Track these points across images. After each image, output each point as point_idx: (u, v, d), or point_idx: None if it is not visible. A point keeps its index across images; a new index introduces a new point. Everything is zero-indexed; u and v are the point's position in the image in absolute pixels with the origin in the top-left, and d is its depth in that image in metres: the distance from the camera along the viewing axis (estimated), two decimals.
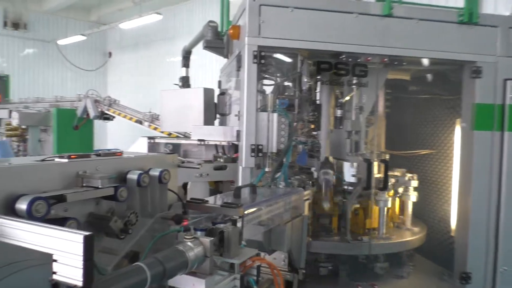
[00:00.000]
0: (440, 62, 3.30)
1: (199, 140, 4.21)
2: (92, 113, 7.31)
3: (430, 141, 4.07)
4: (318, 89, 4.01)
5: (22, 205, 1.35)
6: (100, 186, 1.60)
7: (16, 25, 15.04)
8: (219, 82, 4.79)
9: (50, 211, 1.40)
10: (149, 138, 4.35)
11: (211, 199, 2.39)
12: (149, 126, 6.30)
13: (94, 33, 15.22)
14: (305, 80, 3.15)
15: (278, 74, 3.33)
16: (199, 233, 1.91)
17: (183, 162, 3.91)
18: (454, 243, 3.45)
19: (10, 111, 7.97)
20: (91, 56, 17.40)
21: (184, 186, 3.44)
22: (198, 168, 2.19)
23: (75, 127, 7.78)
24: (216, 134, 4.21)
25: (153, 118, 6.30)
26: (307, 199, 3.16)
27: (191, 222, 1.94)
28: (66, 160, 1.60)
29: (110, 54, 17.81)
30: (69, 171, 1.61)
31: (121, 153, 1.86)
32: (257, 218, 2.36)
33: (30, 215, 1.34)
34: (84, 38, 14.98)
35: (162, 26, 14.31)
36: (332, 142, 3.77)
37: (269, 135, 3.02)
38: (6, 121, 7.90)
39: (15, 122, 7.34)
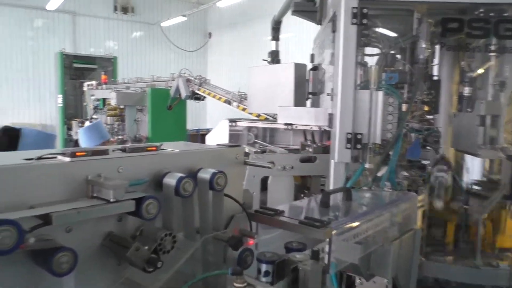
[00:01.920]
0: None
1: (285, 124, 3.61)
2: (183, 93, 7.14)
3: None
4: (436, 61, 3.12)
5: None
6: (112, 199, 1.09)
7: (125, 9, 15.82)
8: (312, 55, 4.09)
9: (21, 240, 0.92)
10: (230, 120, 3.87)
11: (287, 209, 1.78)
12: (238, 106, 5.87)
13: (194, 13, 15.36)
14: (423, 46, 2.32)
15: (384, 41, 2.54)
16: (264, 266, 1.34)
17: (263, 151, 3.36)
18: None
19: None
20: (193, 37, 17.71)
21: (264, 181, 2.88)
22: (270, 167, 1.57)
23: (168, 107, 7.73)
24: (307, 117, 3.57)
25: (242, 98, 5.84)
26: (421, 206, 2.40)
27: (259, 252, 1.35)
28: (68, 159, 1.12)
29: (210, 34, 17.97)
30: (73, 174, 1.12)
31: (156, 147, 1.33)
32: (352, 238, 1.70)
33: None
34: (185, 19, 15.22)
35: (259, 3, 13.83)
36: (456, 130, 2.89)
37: (372, 120, 2.29)
38: (107, 101, 8.16)
39: (113, 102, 7.50)
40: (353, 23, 2.16)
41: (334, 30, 2.42)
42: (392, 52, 2.48)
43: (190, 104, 8.60)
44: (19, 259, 0.99)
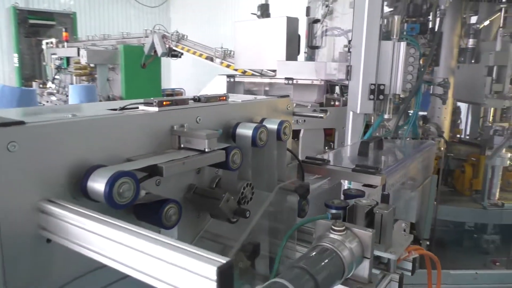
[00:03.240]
0: None
1: (286, 78, 3.57)
2: (159, 50, 6.85)
3: None
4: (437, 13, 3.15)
5: (96, 186, 0.84)
6: (207, 149, 1.05)
7: None
8: (308, 8, 4.01)
9: (138, 193, 0.88)
10: (228, 76, 3.78)
11: (330, 157, 1.80)
12: (221, 63, 5.72)
13: None
14: None
15: None
16: (333, 211, 1.36)
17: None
18: None
19: (78, 49, 7.74)
20: None
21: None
22: (322, 117, 1.57)
23: (142, 65, 7.42)
24: (307, 71, 3.54)
25: (225, 55, 5.69)
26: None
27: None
28: (156, 109, 1.06)
29: None
30: (160, 125, 1.07)
31: (225, 97, 1.29)
32: (396, 185, 1.76)
33: (111, 202, 0.82)
34: None
35: None
36: (459, 82, 2.98)
37: (393, 71, 2.31)
38: (75, 60, 7.70)
39: (83, 60, 7.09)
40: None
41: None
42: (414, 2, 2.48)
43: None
44: (123, 215, 0.95)
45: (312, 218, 1.12)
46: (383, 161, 1.87)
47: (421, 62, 2.55)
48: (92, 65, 7.38)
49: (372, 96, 2.29)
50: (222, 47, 5.82)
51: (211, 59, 5.90)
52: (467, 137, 3.57)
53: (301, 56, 4.46)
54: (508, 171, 2.76)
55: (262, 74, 4.82)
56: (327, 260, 1.00)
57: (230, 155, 1.13)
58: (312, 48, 3.60)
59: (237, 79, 3.86)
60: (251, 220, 1.21)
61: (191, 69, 13.36)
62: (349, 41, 2.53)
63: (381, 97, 2.29)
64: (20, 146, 0.78)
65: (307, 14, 4.02)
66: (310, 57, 4.02)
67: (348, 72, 2.48)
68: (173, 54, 6.94)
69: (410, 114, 2.42)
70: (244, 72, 5.35)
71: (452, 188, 2.88)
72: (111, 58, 7.40)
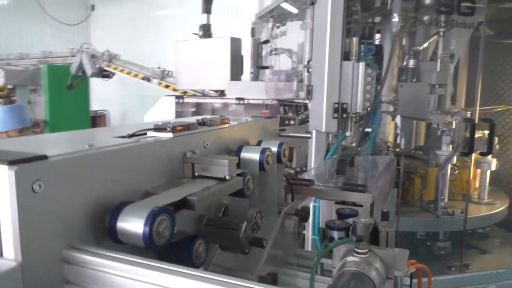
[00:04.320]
0: None
1: (237, 98, 3.56)
2: (89, 70, 6.47)
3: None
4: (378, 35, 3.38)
5: (130, 226, 0.73)
6: (227, 177, 0.98)
7: None
8: (253, 29, 4.05)
9: (174, 230, 0.78)
10: (177, 97, 3.67)
11: (310, 177, 1.80)
12: (159, 84, 5.55)
13: None
14: (396, 20, 2.49)
15: (362, 13, 2.64)
16: (336, 233, 1.35)
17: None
18: None
19: None
20: (72, 8, 15.92)
21: None
22: (309, 137, 1.56)
23: (69, 86, 6.94)
24: (258, 91, 3.56)
25: (164, 75, 5.53)
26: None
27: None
28: (170, 135, 0.96)
29: (93, 7, 16.39)
30: (173, 152, 0.98)
31: (227, 119, 1.23)
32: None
33: (150, 244, 0.72)
34: None
35: None
36: (404, 99, 3.18)
37: (353, 90, 2.40)
38: None
39: (0, 81, 6.46)
40: None
41: (313, 2, 2.44)
42: (369, 24, 2.60)
43: None
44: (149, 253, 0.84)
45: (340, 242, 1.09)
46: (360, 178, 1.91)
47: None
48: (10, 86, 6.75)
49: (336, 115, 2.34)
50: (159, 67, 5.66)
51: (148, 80, 5.70)
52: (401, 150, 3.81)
53: (246, 76, 4.49)
54: (451, 181, 2.99)
55: (204, 95, 4.75)
56: (360, 285, 0.98)
57: (245, 181, 1.07)
58: (262, 68, 3.64)
59: (186, 100, 3.76)
60: (264, 249, 1.15)
61: (115, 89, 12.80)
62: (308, 61, 2.59)
63: (344, 115, 2.36)
64: (45, 185, 0.65)
65: (253, 34, 4.06)
66: (257, 77, 4.05)
67: (309, 92, 2.53)
68: (104, 74, 6.59)
69: (369, 131, 2.52)
70: (184, 93, 5.25)
71: (403, 200, 3.04)
72: (32, 79, 6.83)
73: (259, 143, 1.33)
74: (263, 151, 1.19)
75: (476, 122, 2.54)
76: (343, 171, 1.89)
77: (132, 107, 13.77)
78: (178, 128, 0.98)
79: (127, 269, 0.65)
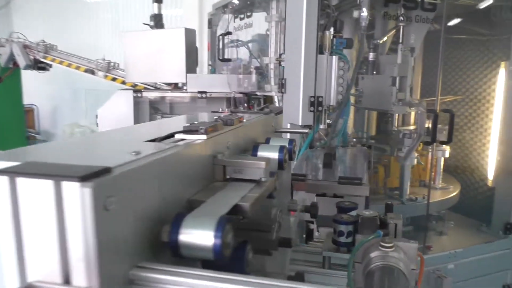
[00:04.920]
0: None
1: (199, 92, 3.46)
2: (22, 62, 5.95)
3: (461, 87, 3.74)
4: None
5: (196, 239, 0.68)
6: (263, 178, 0.94)
7: None
8: (210, 20, 3.96)
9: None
10: (135, 91, 3.49)
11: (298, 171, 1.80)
12: (105, 76, 5.25)
13: None
14: (365, 14, 2.55)
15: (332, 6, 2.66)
16: (344, 227, 1.37)
17: None
18: (495, 193, 3.26)
19: None
20: None
21: None
22: (306, 132, 1.56)
23: None
24: (220, 84, 3.50)
25: (110, 67, 5.24)
26: None
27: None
28: (204, 137, 0.90)
29: None
30: (205, 155, 0.92)
31: (243, 117, 1.18)
32: None
33: (220, 255, 0.67)
34: None
35: None
36: (366, 92, 3.28)
37: (327, 84, 2.44)
38: None
39: None
40: None
41: None
42: (340, 18, 2.64)
43: None
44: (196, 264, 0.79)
45: (370, 237, 1.10)
46: (349, 171, 1.95)
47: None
48: None
49: (312, 108, 2.37)
50: (104, 59, 5.35)
51: (92, 72, 5.37)
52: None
53: (201, 69, 4.39)
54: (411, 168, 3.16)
55: (156, 88, 4.58)
56: (392, 278, 0.99)
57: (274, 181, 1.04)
58: (223, 61, 3.57)
59: (145, 94, 3.59)
60: (290, 248, 1.13)
61: (42, 82, 11.95)
62: (280, 55, 2.58)
63: (320, 108, 2.39)
64: (116, 201, 0.58)
65: (210, 26, 3.97)
66: (215, 70, 3.97)
67: (283, 85, 2.53)
68: (40, 66, 6.10)
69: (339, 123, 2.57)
70: (134, 86, 5.02)
71: None
72: None
73: (267, 141, 1.30)
74: (281, 150, 1.16)
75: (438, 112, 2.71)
76: (330, 165, 1.92)
77: (64, 101, 12.97)
78: (209, 129, 0.93)
79: (206, 285, 0.60)
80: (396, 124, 3.12)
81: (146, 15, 5.04)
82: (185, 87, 3.99)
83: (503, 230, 3.14)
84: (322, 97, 2.38)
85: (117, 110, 3.58)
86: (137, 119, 3.64)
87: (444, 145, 3.07)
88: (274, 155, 1.15)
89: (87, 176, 0.54)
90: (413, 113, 3.03)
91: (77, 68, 5.59)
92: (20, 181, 0.56)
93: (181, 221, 0.70)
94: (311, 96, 2.36)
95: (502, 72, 3.17)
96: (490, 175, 3.33)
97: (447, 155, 3.28)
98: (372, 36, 3.25)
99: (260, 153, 1.16)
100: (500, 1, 2.99)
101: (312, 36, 2.29)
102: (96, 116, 3.73)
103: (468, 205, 3.49)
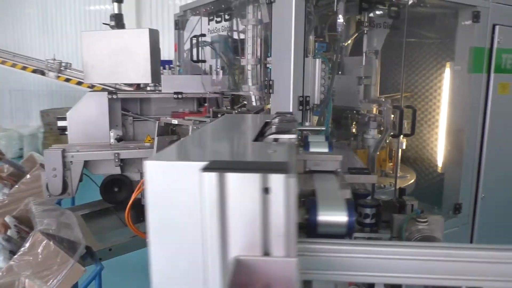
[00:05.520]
0: (444, 5, 3.31)
1: (175, 93, 3.52)
2: None
3: (412, 84, 4.17)
4: None
5: (333, 219, 0.84)
6: (339, 169, 1.13)
7: None
8: (176, 21, 4.01)
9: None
10: (110, 93, 3.46)
11: None
12: (57, 77, 5.04)
13: None
14: (341, 21, 2.81)
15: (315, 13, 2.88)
16: (368, 210, 1.59)
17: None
18: (444, 179, 3.71)
19: None
20: None
21: None
22: (323, 129, 1.77)
23: None
24: (195, 85, 3.59)
25: (61, 67, 5.04)
26: None
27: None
28: (295, 136, 1.06)
29: None
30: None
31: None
32: None
33: (351, 230, 0.85)
34: None
35: None
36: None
37: (311, 84, 2.66)
38: None
39: None
40: None
41: (271, 1, 2.61)
42: (322, 24, 2.86)
43: None
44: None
45: (412, 214, 1.33)
46: (347, 162, 2.18)
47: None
48: None
49: (301, 107, 2.58)
50: (55, 58, 5.13)
51: (42, 73, 5.12)
52: None
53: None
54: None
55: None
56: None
57: None
58: (197, 62, 3.65)
59: (120, 96, 3.56)
60: None
61: None
62: (266, 57, 2.76)
63: (308, 107, 2.60)
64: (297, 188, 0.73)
65: (176, 27, 4.02)
66: (186, 71, 4.03)
67: (270, 86, 2.71)
68: None
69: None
70: (92, 87, 4.91)
71: None
72: None
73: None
74: (327, 138, 1.35)
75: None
76: None
77: None
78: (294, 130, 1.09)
79: (368, 251, 0.78)
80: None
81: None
82: (148, 87, 4.02)
83: (453, 210, 3.59)
84: (309, 96, 2.60)
85: (88, 112, 3.52)
86: (110, 121, 3.61)
87: (400, 137, 3.44)
88: (325, 150, 1.34)
89: (285, 169, 0.69)
90: (375, 109, 3.36)
91: (24, 68, 5.30)
92: (230, 176, 0.69)
93: (314, 206, 0.86)
94: (300, 96, 2.56)
95: (447, 71, 3.62)
96: (440, 163, 3.79)
97: (403, 147, 3.69)
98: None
99: (313, 149, 1.35)
100: (444, 8, 3.42)
101: (300, 40, 2.50)
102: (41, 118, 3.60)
103: (422, 191, 3.93)
